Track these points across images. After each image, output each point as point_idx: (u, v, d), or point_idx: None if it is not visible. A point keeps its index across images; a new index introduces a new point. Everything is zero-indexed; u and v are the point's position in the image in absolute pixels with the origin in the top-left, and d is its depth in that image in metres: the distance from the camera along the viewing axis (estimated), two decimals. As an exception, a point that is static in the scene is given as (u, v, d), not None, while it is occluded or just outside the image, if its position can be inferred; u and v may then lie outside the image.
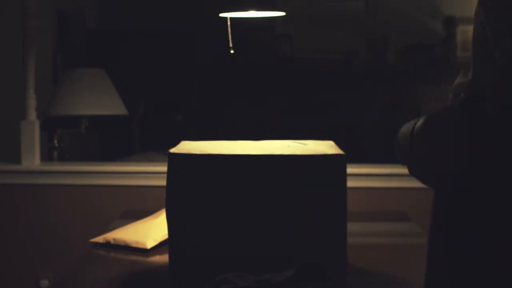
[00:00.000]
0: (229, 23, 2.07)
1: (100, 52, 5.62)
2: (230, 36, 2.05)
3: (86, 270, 1.77)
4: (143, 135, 5.68)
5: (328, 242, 1.56)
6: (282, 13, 2.13)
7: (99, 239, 1.94)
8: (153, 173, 3.04)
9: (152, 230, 1.92)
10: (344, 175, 1.57)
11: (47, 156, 3.64)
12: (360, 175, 2.98)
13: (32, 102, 3.11)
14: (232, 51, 2.06)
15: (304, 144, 1.71)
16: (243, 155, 1.58)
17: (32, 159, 3.09)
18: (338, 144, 1.72)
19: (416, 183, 1.39)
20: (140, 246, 1.87)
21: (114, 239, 1.91)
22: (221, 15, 2.08)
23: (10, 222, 3.11)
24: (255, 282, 1.38)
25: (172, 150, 1.60)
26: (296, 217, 1.56)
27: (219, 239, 1.57)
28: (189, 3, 5.90)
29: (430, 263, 1.17)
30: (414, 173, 1.24)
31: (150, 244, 1.87)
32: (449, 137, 1.14)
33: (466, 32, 5.80)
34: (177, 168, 1.57)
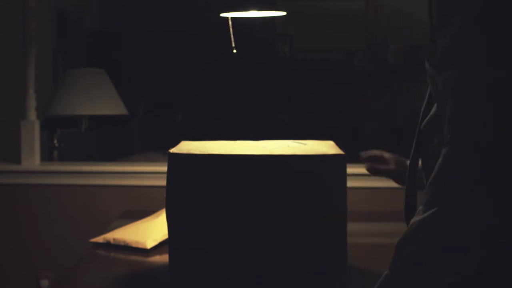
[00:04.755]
0: (230, 23, 2.07)
1: (100, 52, 5.62)
2: (232, 36, 2.05)
3: (86, 270, 1.77)
4: (143, 135, 5.68)
5: (328, 242, 1.56)
6: (283, 13, 2.13)
7: (99, 239, 1.94)
8: (153, 173, 3.04)
9: (152, 230, 1.92)
10: (344, 175, 1.57)
11: (47, 156, 3.64)
12: (360, 175, 2.97)
13: (32, 102, 3.11)
14: (234, 51, 2.06)
15: (304, 144, 1.71)
16: (243, 155, 1.58)
17: (32, 159, 3.09)
18: (338, 144, 1.72)
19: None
20: (140, 246, 1.87)
21: (114, 239, 1.91)
22: (222, 15, 2.08)
23: (10, 222, 3.11)
24: None
25: (172, 150, 1.60)
26: (296, 217, 1.55)
27: (219, 239, 1.57)
28: (189, 3, 5.90)
29: None
30: None
31: (150, 244, 1.87)
32: None
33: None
34: (177, 168, 1.57)
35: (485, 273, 1.03)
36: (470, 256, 1.02)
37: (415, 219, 1.07)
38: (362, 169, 3.04)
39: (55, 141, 3.56)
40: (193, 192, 1.57)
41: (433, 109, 1.27)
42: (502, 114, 1.05)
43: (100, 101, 3.57)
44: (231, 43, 2.05)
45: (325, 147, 1.67)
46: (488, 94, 1.06)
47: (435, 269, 1.03)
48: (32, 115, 3.11)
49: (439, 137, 1.20)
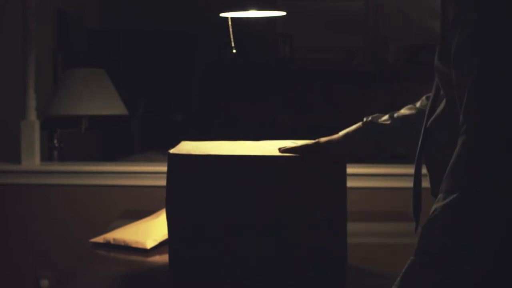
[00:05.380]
0: (230, 23, 2.07)
1: (100, 52, 5.62)
2: (232, 36, 2.05)
3: (86, 270, 1.77)
4: (143, 135, 5.67)
5: (328, 242, 1.56)
6: (283, 13, 2.12)
7: (99, 239, 1.94)
8: (153, 173, 3.03)
9: (152, 230, 1.92)
10: (344, 175, 1.57)
11: (47, 156, 3.64)
12: (360, 175, 2.98)
13: (32, 102, 3.11)
14: (234, 51, 2.06)
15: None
16: (243, 156, 1.58)
17: (32, 159, 3.09)
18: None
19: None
20: (140, 246, 1.87)
21: (114, 239, 1.91)
22: (222, 15, 2.08)
23: (10, 222, 3.11)
24: None
25: (172, 150, 1.60)
26: (297, 217, 1.55)
27: (219, 239, 1.57)
28: (189, 3, 5.90)
29: None
30: None
31: (150, 244, 1.87)
32: None
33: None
34: (177, 168, 1.57)
35: (499, 264, 1.05)
36: (485, 246, 1.04)
37: (437, 205, 1.08)
38: (362, 169, 3.05)
39: (55, 141, 3.56)
40: (193, 192, 1.57)
41: (441, 107, 1.27)
42: (504, 114, 1.06)
43: (100, 101, 3.57)
44: (231, 43, 2.05)
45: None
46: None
47: (454, 257, 1.04)
48: (32, 115, 3.11)
49: (446, 135, 1.20)
